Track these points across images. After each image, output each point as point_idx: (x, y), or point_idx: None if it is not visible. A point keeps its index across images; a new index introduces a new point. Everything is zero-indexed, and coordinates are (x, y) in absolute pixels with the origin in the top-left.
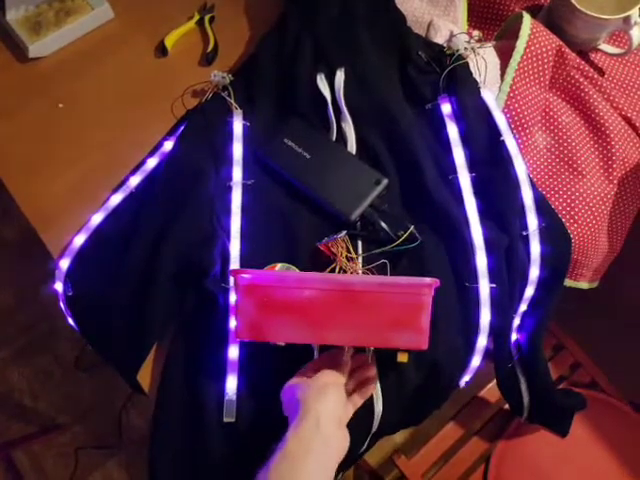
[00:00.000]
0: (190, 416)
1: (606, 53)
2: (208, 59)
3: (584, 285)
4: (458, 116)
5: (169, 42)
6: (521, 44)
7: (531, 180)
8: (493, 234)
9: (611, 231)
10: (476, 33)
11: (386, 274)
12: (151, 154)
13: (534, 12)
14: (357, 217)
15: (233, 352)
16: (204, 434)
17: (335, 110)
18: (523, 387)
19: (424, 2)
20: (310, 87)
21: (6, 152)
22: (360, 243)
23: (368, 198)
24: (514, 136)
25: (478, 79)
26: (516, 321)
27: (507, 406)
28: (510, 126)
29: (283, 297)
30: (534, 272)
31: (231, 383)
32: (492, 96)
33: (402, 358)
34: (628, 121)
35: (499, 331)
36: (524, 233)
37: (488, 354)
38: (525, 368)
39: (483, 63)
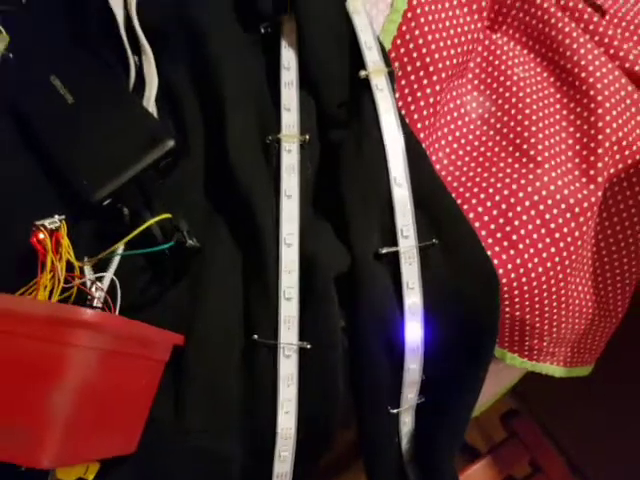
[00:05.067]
0: None
1: None
2: None
3: (556, 370)
4: (302, 39)
5: None
6: None
7: (421, 165)
8: (322, 247)
9: (596, 272)
10: None
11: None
12: None
13: None
14: (104, 198)
15: None
16: None
17: (133, 36)
18: None
19: None
20: (101, 1)
21: None
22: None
23: (130, 169)
24: (413, 84)
25: None
26: (406, 424)
27: None
28: (405, 67)
29: None
30: (413, 329)
31: None
32: (364, 12)
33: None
34: (635, 77)
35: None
36: (382, 251)
37: None
38: None
39: None
